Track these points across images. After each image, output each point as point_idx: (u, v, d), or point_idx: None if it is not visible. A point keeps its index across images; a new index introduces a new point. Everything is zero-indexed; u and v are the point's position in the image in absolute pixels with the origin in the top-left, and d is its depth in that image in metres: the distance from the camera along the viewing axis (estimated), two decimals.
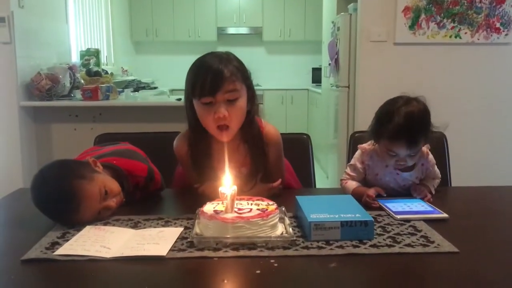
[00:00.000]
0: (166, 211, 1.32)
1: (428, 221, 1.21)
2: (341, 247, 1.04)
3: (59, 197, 1.19)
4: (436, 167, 1.52)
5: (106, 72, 3.98)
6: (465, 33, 3.45)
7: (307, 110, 6.95)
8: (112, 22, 6.07)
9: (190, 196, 1.52)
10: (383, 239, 1.09)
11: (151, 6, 6.99)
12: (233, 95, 1.33)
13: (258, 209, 1.11)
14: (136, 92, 4.49)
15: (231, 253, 1.01)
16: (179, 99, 3.71)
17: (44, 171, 1.25)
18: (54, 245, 1.06)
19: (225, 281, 0.90)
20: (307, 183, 1.80)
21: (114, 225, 1.20)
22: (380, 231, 1.15)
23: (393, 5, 3.40)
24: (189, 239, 1.07)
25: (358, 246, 1.05)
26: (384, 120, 1.38)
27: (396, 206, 1.32)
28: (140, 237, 1.10)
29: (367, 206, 1.31)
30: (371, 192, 1.38)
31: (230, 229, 1.05)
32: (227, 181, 1.12)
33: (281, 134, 1.54)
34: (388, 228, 1.17)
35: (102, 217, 1.26)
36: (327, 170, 4.87)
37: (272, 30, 7.19)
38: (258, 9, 7.15)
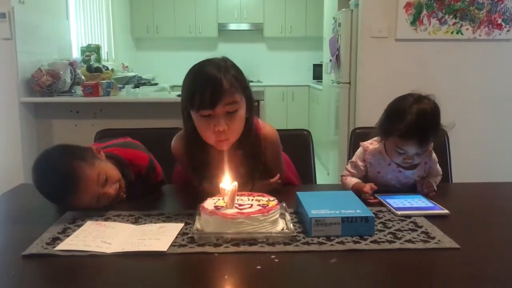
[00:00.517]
0: (167, 207, 1.32)
1: (429, 217, 1.21)
2: (341, 243, 1.04)
3: (58, 176, 1.22)
4: (437, 164, 1.52)
5: (107, 68, 3.98)
6: (467, 29, 3.44)
7: (308, 107, 6.94)
8: (113, 18, 6.06)
9: (191, 192, 1.52)
10: (384, 235, 1.09)
11: (151, 2, 6.97)
12: (233, 107, 1.30)
13: (258, 205, 1.11)
14: (137, 88, 4.49)
15: (232, 248, 1.01)
16: (180, 95, 3.70)
17: (45, 152, 1.29)
18: (55, 240, 1.06)
19: (226, 277, 0.90)
20: (307, 179, 1.80)
21: (115, 220, 1.20)
22: (381, 227, 1.15)
23: (395, 1, 3.39)
24: (189, 235, 1.07)
25: (359, 242, 1.05)
26: (396, 118, 1.37)
27: (397, 202, 1.32)
28: (141, 233, 1.10)
29: (367, 202, 1.31)
30: (367, 188, 1.38)
31: (230, 224, 1.05)
32: (227, 180, 1.12)
33: (282, 130, 1.53)
34: (388, 224, 1.17)
35: (101, 205, 1.28)
36: (327, 167, 4.86)
37: (273, 26, 7.17)
38: (259, 5, 7.13)
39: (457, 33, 3.44)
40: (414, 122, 1.33)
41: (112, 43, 6.03)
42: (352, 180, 1.47)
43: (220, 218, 1.06)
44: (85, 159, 1.27)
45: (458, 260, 0.98)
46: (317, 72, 6.43)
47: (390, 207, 1.28)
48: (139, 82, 5.28)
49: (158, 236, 1.08)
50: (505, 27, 3.45)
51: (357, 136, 1.78)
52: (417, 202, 1.33)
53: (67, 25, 4.29)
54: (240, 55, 7.19)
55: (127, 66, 5.81)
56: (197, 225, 1.10)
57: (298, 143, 1.86)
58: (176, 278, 0.95)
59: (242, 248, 1.02)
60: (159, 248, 1.01)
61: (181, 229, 1.12)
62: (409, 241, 1.06)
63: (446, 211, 1.25)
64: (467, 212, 1.32)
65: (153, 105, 3.57)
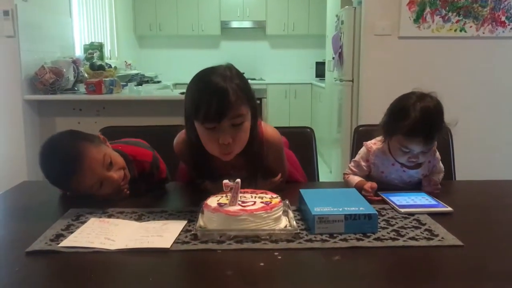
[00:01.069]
0: (170, 204, 1.32)
1: (432, 214, 1.21)
2: (344, 240, 1.04)
3: (63, 154, 1.26)
4: (440, 162, 1.52)
5: (110, 66, 3.98)
6: (470, 26, 3.43)
7: (311, 104, 6.93)
8: (116, 16, 6.06)
9: (194, 189, 1.52)
10: (387, 233, 1.09)
11: (154, 0, 6.98)
12: (238, 120, 1.27)
13: (262, 202, 1.11)
14: (140, 86, 4.49)
15: (235, 245, 1.01)
16: (183, 93, 3.70)
17: (52, 135, 1.33)
18: (59, 237, 1.06)
19: (229, 274, 0.90)
20: (310, 177, 1.79)
21: (118, 217, 1.20)
22: (384, 224, 1.14)
23: None
24: (193, 232, 1.07)
25: (362, 239, 1.05)
26: (399, 116, 1.36)
27: (400, 199, 1.32)
28: (144, 230, 1.10)
29: (369, 200, 1.31)
30: (367, 186, 1.38)
31: (233, 222, 1.05)
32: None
33: (285, 128, 1.53)
34: (392, 221, 1.17)
35: (103, 192, 1.30)
36: (330, 165, 4.86)
37: (276, 24, 7.16)
38: (262, 3, 7.12)
39: (460, 30, 3.43)
40: (418, 120, 1.33)
41: (115, 41, 6.04)
42: (355, 179, 1.46)
43: (223, 215, 1.06)
44: (91, 141, 1.30)
45: (462, 258, 0.98)
46: (320, 69, 6.42)
47: (394, 205, 1.28)
48: (142, 80, 5.28)
49: (161, 233, 1.08)
50: (509, 24, 3.44)
51: (360, 134, 1.77)
52: (420, 200, 1.33)
53: (70, 23, 4.30)
54: (243, 53, 7.22)
55: (130, 64, 5.82)
56: (200, 222, 1.10)
57: (301, 141, 1.86)
58: (179, 275, 0.95)
59: (245, 245, 1.02)
60: (162, 245, 1.01)
61: (184, 226, 1.13)
62: (412, 238, 1.05)
63: (449, 209, 1.25)
64: (470, 209, 1.32)
65: (156, 103, 3.58)
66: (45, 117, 3.55)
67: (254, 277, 0.91)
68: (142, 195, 1.41)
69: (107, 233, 1.08)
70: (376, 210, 1.13)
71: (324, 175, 4.39)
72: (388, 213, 1.23)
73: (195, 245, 1.02)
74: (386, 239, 1.05)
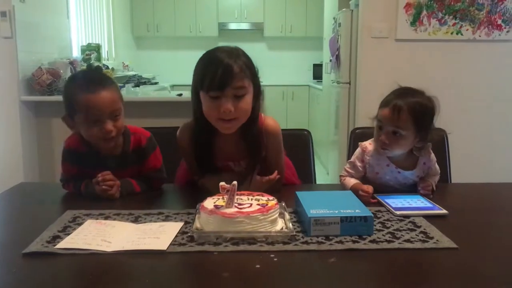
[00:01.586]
0: (167, 206, 1.32)
1: (427, 217, 1.22)
2: (340, 242, 1.05)
3: (89, 70, 1.61)
4: (436, 164, 1.53)
5: (107, 67, 3.98)
6: (467, 29, 3.44)
7: (308, 106, 6.94)
8: (113, 17, 6.06)
9: (191, 191, 1.53)
10: (383, 235, 1.09)
11: (152, 1, 6.97)
12: (241, 92, 1.35)
13: (258, 204, 1.12)
14: (137, 88, 4.49)
15: (231, 247, 1.02)
16: (180, 95, 3.71)
17: None
18: (55, 238, 1.07)
19: (225, 276, 0.91)
20: (307, 179, 1.80)
21: (115, 219, 1.21)
22: (380, 226, 1.15)
23: (395, 1, 3.39)
24: (189, 234, 1.07)
25: (358, 242, 1.05)
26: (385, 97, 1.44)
27: (396, 202, 1.32)
28: (141, 232, 1.10)
29: (366, 202, 1.31)
30: (366, 186, 1.39)
31: (230, 224, 1.05)
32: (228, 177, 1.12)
33: (282, 130, 1.54)
34: (387, 224, 1.17)
35: (97, 136, 1.38)
36: (327, 166, 4.87)
37: (273, 25, 7.17)
38: (260, 5, 7.13)
39: (457, 33, 3.45)
40: (394, 91, 1.42)
41: (113, 42, 6.03)
42: (351, 181, 1.47)
43: (219, 217, 1.06)
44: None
45: (456, 260, 0.99)
46: (317, 72, 6.43)
47: (389, 207, 1.28)
48: (139, 81, 5.28)
49: (158, 235, 1.08)
50: (505, 27, 3.45)
51: (357, 136, 1.78)
52: (416, 202, 1.33)
53: (67, 24, 4.29)
54: None
55: (127, 65, 5.82)
56: (197, 224, 1.11)
57: (298, 143, 1.87)
58: (176, 277, 0.95)
59: (242, 247, 1.02)
60: (158, 247, 1.01)
61: (181, 228, 1.13)
62: (407, 240, 1.06)
63: (444, 211, 1.26)
64: (465, 212, 1.33)
65: (153, 105, 3.58)
66: (42, 118, 3.54)
67: (250, 279, 0.91)
68: (138, 196, 1.41)
69: (103, 235, 1.08)
70: (372, 213, 1.13)
71: (321, 176, 4.39)
72: (383, 216, 1.24)
73: (192, 247, 1.02)
74: (382, 242, 1.05)
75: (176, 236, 1.08)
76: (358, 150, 1.53)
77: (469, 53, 3.49)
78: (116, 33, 6.14)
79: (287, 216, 1.15)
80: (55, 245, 1.02)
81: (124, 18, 6.65)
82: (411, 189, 1.47)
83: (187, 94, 3.63)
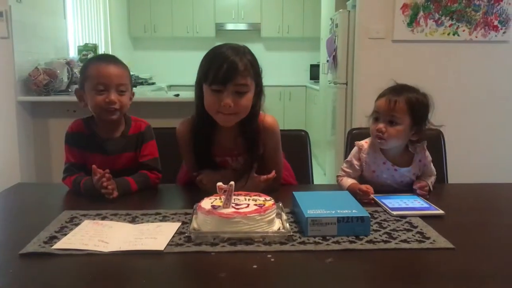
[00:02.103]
0: (164, 206, 1.32)
1: (424, 217, 1.22)
2: (337, 242, 1.05)
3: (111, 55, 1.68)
4: (431, 164, 1.53)
5: None
6: (463, 30, 3.45)
7: (305, 107, 6.95)
8: (110, 17, 6.05)
9: (188, 191, 1.53)
10: (379, 235, 1.10)
11: (149, 2, 6.97)
12: (243, 89, 1.38)
13: (255, 205, 1.12)
14: (134, 88, 4.47)
15: (228, 248, 1.02)
16: (177, 95, 3.70)
17: None
18: (52, 239, 1.06)
19: (222, 276, 0.91)
20: (304, 179, 1.80)
21: (112, 219, 1.21)
22: (377, 227, 1.15)
23: (392, 2, 3.40)
24: (186, 234, 1.07)
25: (355, 242, 1.05)
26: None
27: (393, 202, 1.33)
28: (138, 232, 1.10)
29: (364, 202, 1.32)
30: (364, 186, 1.39)
31: (227, 224, 1.05)
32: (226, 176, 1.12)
33: (279, 130, 1.54)
34: (384, 224, 1.18)
35: (103, 103, 1.48)
36: (324, 167, 4.87)
37: (271, 26, 7.18)
38: (257, 5, 7.14)
39: (453, 34, 3.46)
40: (390, 87, 1.46)
41: (109, 42, 6.02)
42: (348, 181, 1.47)
43: (217, 217, 1.06)
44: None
45: (453, 260, 0.99)
46: (314, 72, 6.43)
47: (386, 207, 1.29)
48: (136, 82, 5.28)
49: (155, 235, 1.08)
50: (501, 28, 3.47)
51: (354, 137, 1.78)
52: (412, 203, 1.34)
53: (64, 24, 4.28)
54: None
55: None
56: (194, 224, 1.11)
57: (296, 144, 1.87)
58: (173, 277, 0.95)
59: (239, 247, 1.02)
60: (156, 247, 1.01)
61: (178, 228, 1.13)
62: (404, 241, 1.06)
63: (441, 212, 1.26)
64: (462, 212, 1.33)
65: (150, 105, 3.57)
66: (39, 118, 3.53)
67: (248, 279, 0.91)
68: (135, 197, 1.41)
69: (101, 235, 1.08)
70: (369, 213, 1.14)
71: (318, 177, 4.40)
72: (380, 216, 1.24)
73: (189, 248, 1.02)
74: (378, 242, 1.06)
75: (173, 236, 1.08)
76: (354, 149, 1.54)
77: (466, 54, 3.51)
78: (113, 34, 6.13)
79: (284, 216, 1.15)
80: (52, 246, 1.02)
81: (121, 18, 6.65)
82: (408, 188, 1.48)
83: (184, 95, 3.63)
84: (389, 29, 3.44)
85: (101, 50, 5.32)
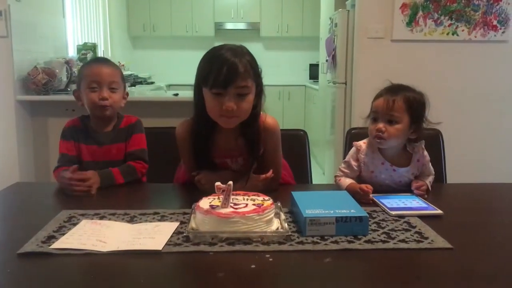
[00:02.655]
0: (162, 206, 1.32)
1: (422, 217, 1.22)
2: (336, 242, 1.05)
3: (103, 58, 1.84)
4: (430, 163, 1.53)
5: None
6: (462, 30, 3.46)
7: (304, 106, 6.94)
8: (109, 16, 6.04)
9: (186, 191, 1.53)
10: (378, 235, 1.10)
11: (148, 1, 6.96)
12: (244, 91, 1.37)
13: (253, 204, 1.12)
14: (133, 87, 4.48)
15: (227, 247, 1.02)
16: (176, 94, 3.70)
17: None
18: (50, 238, 1.06)
19: (220, 276, 0.91)
20: (303, 179, 1.80)
21: (110, 219, 1.21)
22: (375, 227, 1.15)
23: (391, 2, 3.41)
24: (185, 234, 1.07)
25: (353, 242, 1.05)
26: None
27: (391, 202, 1.33)
28: (136, 232, 1.10)
29: (362, 202, 1.32)
30: (364, 186, 1.39)
31: (225, 224, 1.05)
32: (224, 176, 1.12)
33: (280, 132, 1.54)
34: (382, 224, 1.18)
35: (95, 109, 1.62)
36: (323, 166, 4.87)
37: (270, 25, 7.17)
38: (256, 5, 7.13)
39: (452, 34, 3.46)
40: (386, 87, 1.47)
41: (109, 41, 6.01)
42: (346, 181, 1.47)
43: (215, 217, 1.06)
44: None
45: (451, 260, 0.99)
46: (314, 72, 6.44)
47: (384, 207, 1.29)
48: (135, 81, 5.26)
49: (153, 235, 1.08)
50: (500, 28, 3.47)
51: (353, 136, 1.78)
52: (411, 203, 1.34)
53: (63, 23, 4.27)
54: None
55: (123, 65, 5.78)
56: (192, 224, 1.11)
57: (295, 143, 1.87)
58: (171, 277, 0.95)
59: (237, 247, 1.02)
60: (154, 247, 1.01)
61: (176, 228, 1.13)
62: (402, 241, 1.06)
63: (439, 212, 1.26)
64: (460, 212, 1.33)
65: (149, 104, 3.57)
66: (38, 117, 3.52)
67: (246, 279, 0.91)
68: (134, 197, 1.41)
69: (99, 235, 1.08)
70: (367, 213, 1.14)
71: (317, 176, 4.39)
72: (379, 216, 1.24)
73: (187, 247, 1.02)
74: (377, 242, 1.06)
75: (172, 236, 1.08)
76: (352, 149, 1.54)
77: (465, 54, 3.51)
78: (112, 33, 6.13)
79: (283, 216, 1.15)
80: (50, 245, 1.02)
81: (120, 17, 6.64)
82: (406, 188, 1.48)
83: (183, 94, 3.63)
84: (388, 29, 3.44)
85: (100, 49, 5.31)
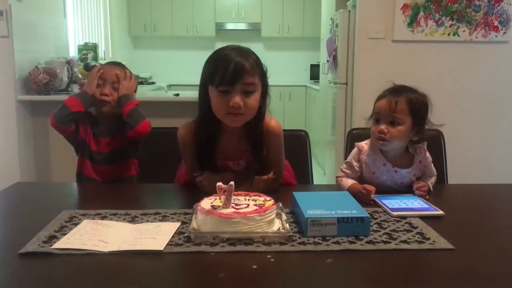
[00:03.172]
0: (164, 206, 1.32)
1: (424, 218, 1.22)
2: (337, 243, 1.05)
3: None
4: (432, 164, 1.53)
5: None
6: (463, 31, 3.45)
7: (305, 107, 6.94)
8: (110, 16, 6.05)
9: (188, 191, 1.53)
10: (379, 236, 1.10)
11: (149, 1, 6.97)
12: (250, 88, 1.37)
13: (255, 205, 1.12)
14: None
15: (228, 248, 1.02)
16: (177, 95, 3.70)
17: None
18: (52, 238, 1.06)
19: (222, 276, 0.91)
20: (304, 179, 1.80)
21: (111, 219, 1.21)
22: (376, 227, 1.15)
23: (392, 2, 3.40)
24: (186, 234, 1.07)
25: (354, 242, 1.05)
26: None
27: (393, 203, 1.33)
28: (138, 232, 1.10)
29: (363, 202, 1.31)
30: (366, 186, 1.39)
31: (227, 224, 1.05)
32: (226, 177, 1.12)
33: (283, 134, 1.54)
34: (384, 224, 1.18)
35: (98, 104, 1.72)
36: (324, 167, 4.87)
37: (271, 26, 7.17)
38: (257, 5, 7.13)
39: (454, 35, 3.46)
40: (389, 88, 1.46)
41: (110, 41, 6.02)
42: (348, 182, 1.47)
43: (216, 217, 1.06)
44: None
45: (453, 261, 0.99)
46: (314, 72, 6.43)
47: (386, 208, 1.29)
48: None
49: (154, 235, 1.08)
50: (502, 29, 3.47)
51: (354, 137, 1.78)
52: (412, 203, 1.34)
53: (64, 23, 4.28)
54: None
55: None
56: (194, 224, 1.11)
57: (296, 144, 1.87)
58: (172, 277, 0.95)
59: (238, 247, 1.02)
60: (155, 247, 1.01)
61: (178, 228, 1.13)
62: (404, 241, 1.06)
63: (441, 212, 1.26)
64: (462, 213, 1.33)
65: (150, 104, 3.56)
66: (39, 117, 3.52)
67: (247, 280, 0.91)
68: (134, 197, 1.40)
69: (100, 235, 1.08)
70: (369, 213, 1.13)
71: (318, 177, 4.40)
72: (380, 216, 1.24)
73: (188, 248, 1.02)
74: (378, 242, 1.06)
75: (173, 236, 1.08)
76: (354, 150, 1.53)
77: (466, 54, 3.50)
78: (113, 33, 6.13)
79: (284, 216, 1.15)
80: (51, 245, 1.02)
81: (121, 17, 6.64)
82: (407, 189, 1.47)
83: (184, 94, 3.63)
84: (389, 29, 3.44)
85: (101, 49, 5.32)
